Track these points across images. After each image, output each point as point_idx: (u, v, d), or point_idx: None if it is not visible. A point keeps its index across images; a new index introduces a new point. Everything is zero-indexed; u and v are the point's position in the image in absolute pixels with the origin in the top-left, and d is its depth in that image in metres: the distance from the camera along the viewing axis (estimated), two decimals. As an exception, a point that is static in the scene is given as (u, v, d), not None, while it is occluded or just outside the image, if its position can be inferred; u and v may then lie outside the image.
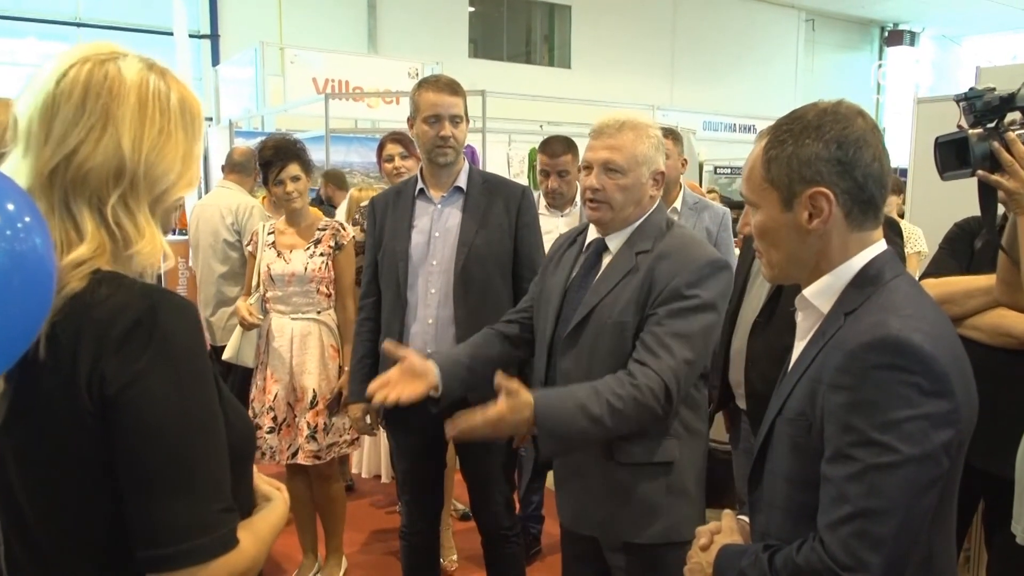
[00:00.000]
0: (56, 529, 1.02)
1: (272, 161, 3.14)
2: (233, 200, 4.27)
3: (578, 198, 3.37)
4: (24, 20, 10.86)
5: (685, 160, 3.63)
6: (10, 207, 0.90)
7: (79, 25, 11.45)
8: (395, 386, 1.91)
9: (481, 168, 3.55)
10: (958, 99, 1.74)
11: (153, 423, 0.96)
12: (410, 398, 1.90)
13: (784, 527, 1.25)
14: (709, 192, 6.58)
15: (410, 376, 1.94)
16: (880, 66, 19.11)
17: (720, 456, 2.81)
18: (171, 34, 9.14)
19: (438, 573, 2.97)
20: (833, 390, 1.15)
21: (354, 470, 4.52)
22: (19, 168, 1.02)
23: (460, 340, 2.44)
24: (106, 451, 0.97)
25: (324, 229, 3.20)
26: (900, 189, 4.80)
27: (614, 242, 1.98)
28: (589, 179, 1.95)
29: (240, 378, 3.54)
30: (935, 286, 2.02)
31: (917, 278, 1.86)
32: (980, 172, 1.69)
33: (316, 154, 5.14)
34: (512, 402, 1.70)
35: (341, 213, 5.14)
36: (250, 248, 3.32)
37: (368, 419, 2.71)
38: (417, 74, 8.76)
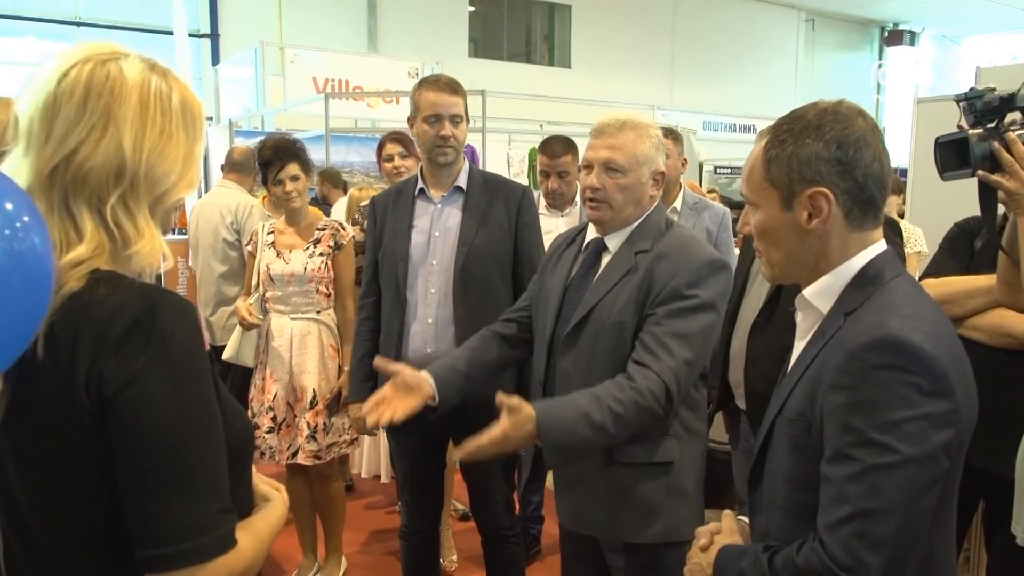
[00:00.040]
0: (55, 529, 1.02)
1: (271, 161, 3.14)
2: (233, 199, 4.27)
3: (578, 198, 3.37)
4: (24, 19, 10.86)
5: (685, 160, 3.63)
6: (9, 206, 0.90)
7: (79, 24, 11.45)
8: (390, 404, 1.91)
9: (481, 168, 3.55)
10: (958, 99, 1.74)
11: (151, 423, 0.95)
12: (406, 414, 1.90)
13: (784, 527, 1.25)
14: (709, 192, 6.58)
15: (404, 391, 1.94)
16: (880, 66, 19.12)
17: (719, 456, 2.81)
18: (171, 33, 9.14)
19: (438, 573, 2.97)
20: (833, 390, 1.15)
21: (354, 470, 4.52)
22: (19, 167, 1.02)
23: (460, 340, 2.44)
24: (105, 451, 0.97)
25: (324, 229, 3.20)
26: (900, 189, 4.80)
27: (613, 242, 1.98)
28: (589, 178, 1.94)
29: (239, 378, 3.54)
30: (935, 286, 2.02)
31: (917, 278, 1.86)
32: (980, 172, 1.69)
33: (316, 154, 5.15)
34: (514, 418, 1.70)
35: (337, 212, 5.14)
36: (250, 248, 3.32)
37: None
38: (417, 74, 8.76)
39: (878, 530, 1.09)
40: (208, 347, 3.19)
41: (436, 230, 2.54)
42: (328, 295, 3.19)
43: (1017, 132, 1.68)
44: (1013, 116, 1.69)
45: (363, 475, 4.50)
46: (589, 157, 1.96)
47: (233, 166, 4.49)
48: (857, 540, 1.10)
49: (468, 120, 2.58)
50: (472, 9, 14.65)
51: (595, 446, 1.81)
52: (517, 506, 2.85)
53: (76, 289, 0.97)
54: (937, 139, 1.74)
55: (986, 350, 1.92)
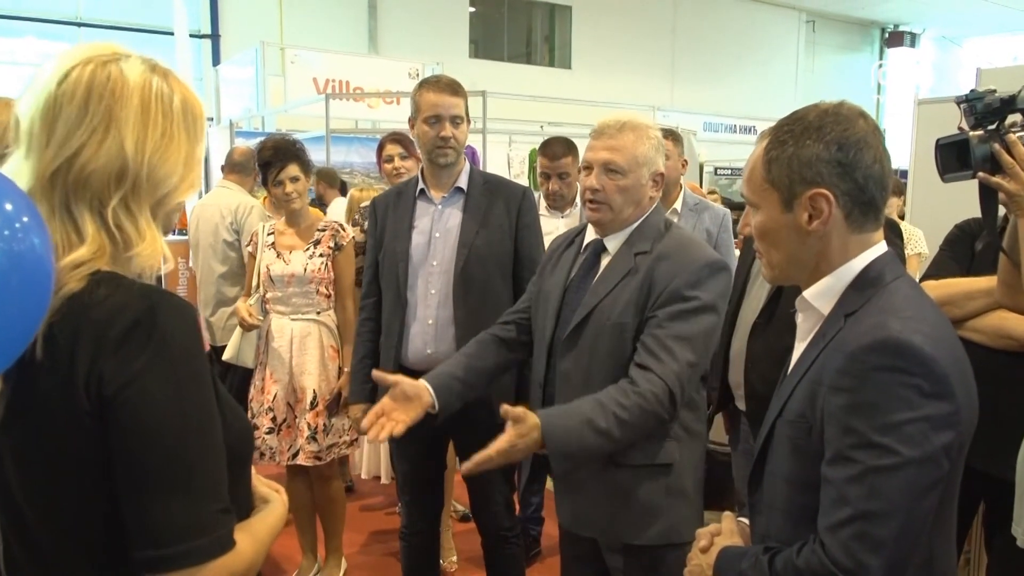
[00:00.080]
0: (55, 529, 1.02)
1: (271, 162, 3.14)
2: (233, 200, 4.27)
3: (578, 199, 3.37)
4: (24, 19, 10.87)
5: (685, 161, 3.62)
6: (8, 207, 0.90)
7: (79, 25, 11.46)
8: (390, 416, 1.91)
9: (481, 169, 3.55)
10: (959, 101, 1.74)
11: (151, 423, 0.95)
12: (406, 426, 1.90)
13: (784, 529, 1.25)
14: (710, 193, 6.59)
15: (403, 401, 1.94)
16: (880, 67, 19.12)
17: (719, 458, 2.81)
18: (171, 34, 9.14)
19: (438, 574, 2.97)
20: (833, 392, 1.15)
21: (354, 471, 4.51)
22: (20, 170, 1.02)
23: (460, 340, 2.44)
24: (104, 451, 0.96)
25: (324, 230, 3.20)
26: (901, 191, 4.80)
27: (612, 243, 1.98)
28: (589, 179, 1.94)
29: (239, 378, 3.54)
30: (936, 288, 2.01)
31: (917, 280, 1.86)
32: (981, 174, 1.69)
33: (316, 155, 5.14)
34: (520, 428, 1.71)
35: (333, 211, 5.14)
36: (250, 249, 3.32)
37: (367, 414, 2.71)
38: (417, 74, 8.77)
39: (879, 532, 1.09)
40: (208, 348, 3.20)
41: (436, 231, 2.54)
42: (328, 296, 3.19)
43: (1018, 134, 1.67)
44: (1014, 118, 1.69)
45: (363, 476, 4.50)
46: (589, 158, 1.96)
47: (233, 167, 4.49)
48: (858, 542, 1.10)
49: (469, 121, 2.58)
50: (472, 10, 14.66)
51: (601, 451, 1.81)
52: (517, 507, 2.85)
53: (76, 290, 0.97)
54: (938, 141, 1.74)
55: (987, 352, 1.92)
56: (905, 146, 4.48)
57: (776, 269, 1.32)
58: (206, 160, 7.13)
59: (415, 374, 2.47)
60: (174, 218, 1.13)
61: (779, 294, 2.30)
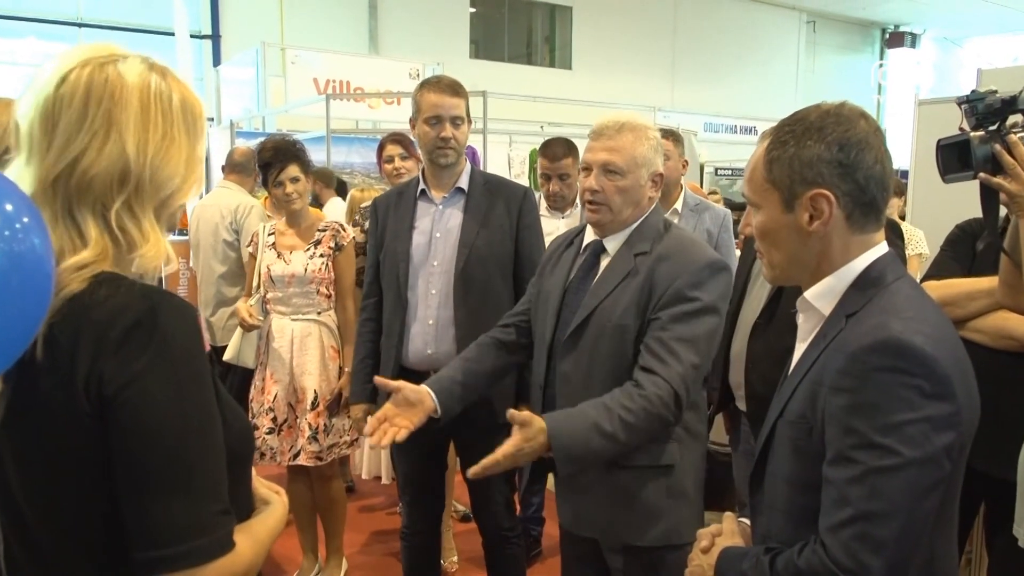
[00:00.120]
0: (55, 529, 1.02)
1: (271, 162, 3.14)
2: (233, 200, 4.27)
3: (579, 199, 3.37)
4: (25, 20, 10.87)
5: (686, 161, 3.62)
6: (8, 207, 0.90)
7: (80, 25, 11.47)
8: (392, 421, 1.92)
9: (482, 169, 3.55)
10: (960, 101, 1.74)
11: (151, 424, 0.95)
12: (409, 432, 1.91)
13: (785, 530, 1.25)
14: (711, 193, 6.59)
15: (406, 407, 1.94)
16: (881, 67, 19.11)
17: (719, 458, 2.81)
18: (172, 34, 9.15)
19: (439, 574, 2.97)
20: (834, 392, 1.15)
21: (355, 471, 4.51)
22: (22, 176, 1.02)
23: (460, 340, 2.44)
24: (104, 451, 0.97)
25: (324, 230, 3.20)
26: (902, 191, 4.80)
27: (612, 244, 1.98)
28: (588, 181, 1.94)
29: (239, 379, 3.54)
30: (937, 288, 2.01)
31: (918, 280, 1.86)
32: (982, 175, 1.69)
33: (317, 155, 5.14)
34: (526, 432, 1.71)
35: (331, 212, 5.13)
36: (251, 249, 3.32)
37: (369, 420, 2.71)
38: (418, 75, 8.77)
39: (880, 533, 1.09)
40: (208, 348, 3.20)
41: (437, 231, 2.54)
42: (329, 296, 3.19)
43: (1019, 134, 1.67)
44: (1015, 118, 1.69)
45: (364, 476, 4.50)
46: (588, 159, 1.96)
47: (234, 167, 4.49)
48: (859, 542, 1.10)
49: (470, 122, 2.58)
50: (473, 10, 14.66)
51: (607, 454, 1.81)
52: (518, 507, 2.85)
53: (77, 291, 0.97)
54: (939, 141, 1.74)
55: (988, 352, 1.92)
56: (905, 146, 4.47)
57: (777, 269, 1.32)
58: (207, 161, 7.13)
59: (416, 374, 2.49)
60: (177, 216, 1.13)
61: (779, 294, 2.30)
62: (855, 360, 1.13)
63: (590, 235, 2.04)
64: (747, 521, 1.43)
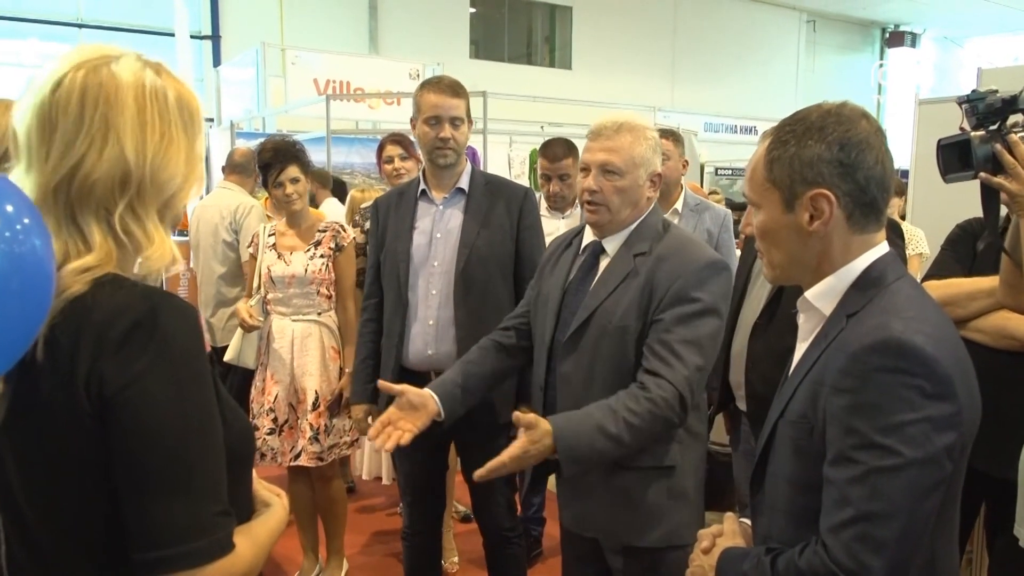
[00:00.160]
0: (55, 529, 1.02)
1: (271, 163, 3.14)
2: (232, 200, 4.27)
3: (578, 200, 3.37)
4: (26, 21, 10.88)
5: (686, 161, 3.62)
6: (9, 209, 0.90)
7: (80, 26, 11.47)
8: (396, 425, 1.92)
9: (482, 169, 3.55)
10: (961, 101, 1.74)
11: (151, 424, 0.95)
12: (413, 435, 1.92)
13: (786, 530, 1.25)
14: (712, 193, 6.59)
15: (409, 410, 1.95)
16: (881, 66, 19.10)
17: (719, 458, 2.81)
18: (172, 35, 9.16)
19: (439, 574, 2.97)
20: (835, 393, 1.15)
21: (355, 472, 4.51)
22: (23, 185, 1.01)
23: (460, 341, 2.44)
24: (105, 452, 0.97)
25: (324, 231, 3.20)
26: (902, 191, 4.80)
27: (611, 244, 1.98)
28: (587, 181, 1.94)
29: (239, 379, 3.54)
30: (938, 288, 2.01)
31: (919, 280, 1.85)
32: (983, 175, 1.69)
33: (317, 155, 5.14)
34: (532, 434, 1.72)
35: (327, 212, 5.13)
36: (251, 250, 3.32)
37: (371, 420, 2.71)
38: (418, 75, 8.77)
39: (881, 533, 1.09)
40: (208, 349, 3.19)
41: (438, 231, 2.54)
42: (329, 297, 3.19)
43: (1020, 134, 1.67)
44: (1015, 118, 1.69)
45: (364, 477, 4.50)
46: (586, 159, 1.96)
47: (234, 168, 4.49)
48: (860, 543, 1.09)
49: (471, 122, 2.58)
50: (473, 11, 14.66)
51: (612, 456, 1.82)
52: (518, 507, 2.85)
53: (78, 293, 0.97)
54: (939, 141, 1.74)
55: (989, 352, 1.91)
56: (906, 146, 4.47)
57: (777, 269, 1.32)
58: (207, 161, 7.13)
59: (416, 374, 2.49)
60: (179, 214, 1.13)
61: (780, 294, 2.30)
62: (856, 360, 1.13)
63: (589, 236, 2.04)
64: (748, 521, 1.42)
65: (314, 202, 5.52)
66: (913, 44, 19.51)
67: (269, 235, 3.24)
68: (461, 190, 2.55)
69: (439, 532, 2.85)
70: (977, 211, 1.82)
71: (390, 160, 3.66)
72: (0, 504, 1.05)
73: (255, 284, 3.25)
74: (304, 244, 3.18)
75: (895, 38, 19.49)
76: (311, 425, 3.09)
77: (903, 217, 4.80)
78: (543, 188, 3.48)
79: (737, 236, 3.74)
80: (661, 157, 2.01)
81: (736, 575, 1.26)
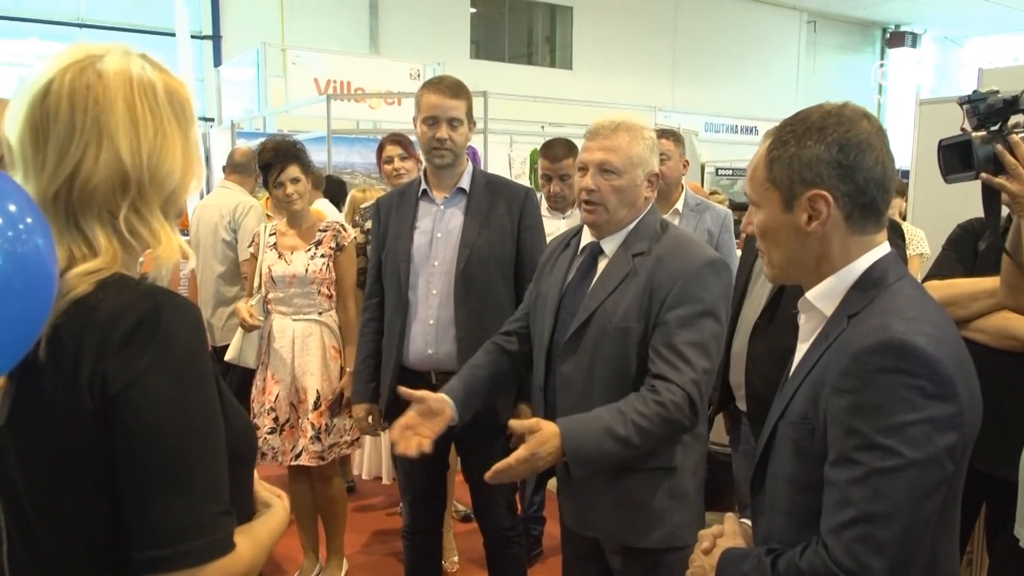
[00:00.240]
0: (57, 528, 1.02)
1: (272, 163, 3.14)
2: (232, 200, 4.28)
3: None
4: (26, 21, 10.88)
5: (687, 161, 3.62)
6: (11, 208, 0.90)
7: (81, 26, 11.47)
8: (416, 431, 1.92)
9: (482, 169, 3.54)
10: (962, 102, 1.74)
11: (153, 423, 0.95)
12: (432, 441, 1.93)
13: (787, 531, 1.25)
14: (713, 193, 6.58)
15: (428, 416, 1.95)
16: (881, 67, 19.10)
17: (719, 459, 2.81)
18: (173, 35, 9.16)
19: (440, 574, 2.97)
20: (836, 393, 1.15)
21: (355, 471, 4.51)
22: None
23: (461, 341, 2.45)
24: (107, 451, 0.97)
25: (325, 231, 3.20)
26: (903, 191, 4.80)
27: (609, 245, 1.97)
28: (584, 180, 1.94)
29: (239, 379, 3.54)
30: (939, 288, 2.01)
31: (920, 280, 1.85)
32: (984, 175, 1.69)
33: (318, 155, 5.14)
34: (539, 437, 1.72)
35: (329, 212, 5.11)
36: (252, 250, 3.32)
37: (371, 419, 2.71)
38: (419, 75, 8.77)
39: (882, 534, 1.09)
40: (209, 348, 3.19)
41: (438, 231, 2.54)
42: (330, 296, 3.19)
43: (1021, 135, 1.67)
44: (1017, 119, 1.69)
45: (364, 476, 4.50)
46: (584, 159, 1.96)
47: (234, 167, 4.50)
48: (861, 544, 1.09)
49: (472, 123, 2.58)
50: (474, 11, 14.66)
51: (620, 458, 1.81)
52: (519, 507, 2.84)
53: (82, 293, 0.97)
54: (940, 142, 1.74)
55: (990, 352, 1.92)
56: (906, 146, 4.47)
57: (777, 268, 1.32)
58: (207, 161, 7.13)
59: (416, 374, 2.49)
60: (183, 209, 1.13)
61: (780, 294, 2.30)
62: (857, 361, 1.13)
63: (587, 236, 2.04)
64: (748, 522, 1.42)
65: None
66: (914, 44, 19.50)
67: (270, 235, 3.24)
68: (462, 190, 2.55)
69: (439, 532, 2.85)
70: (978, 211, 1.82)
71: (390, 160, 3.66)
72: (2, 502, 1.05)
73: (256, 284, 3.25)
74: (305, 244, 3.18)
75: (896, 38, 19.49)
76: (312, 424, 3.09)
77: (904, 217, 4.80)
78: (544, 188, 3.48)
79: (738, 236, 3.74)
80: (659, 157, 2.00)
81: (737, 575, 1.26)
